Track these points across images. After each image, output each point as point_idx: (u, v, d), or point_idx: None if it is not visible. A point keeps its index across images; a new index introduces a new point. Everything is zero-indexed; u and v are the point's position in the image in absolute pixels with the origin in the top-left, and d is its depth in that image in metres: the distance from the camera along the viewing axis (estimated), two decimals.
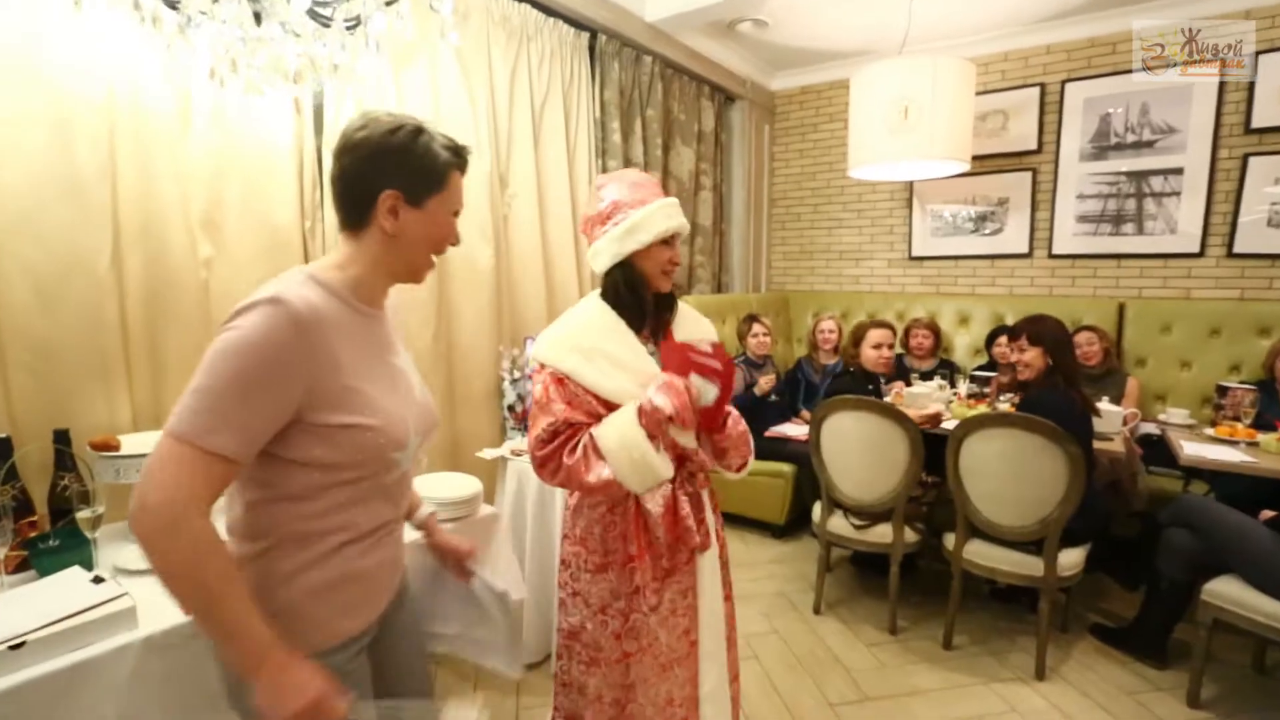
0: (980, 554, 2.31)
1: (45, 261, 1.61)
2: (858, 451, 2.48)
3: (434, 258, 1.00)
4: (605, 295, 1.36)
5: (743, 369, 3.56)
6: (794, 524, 3.46)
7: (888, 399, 3.32)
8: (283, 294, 0.84)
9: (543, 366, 1.31)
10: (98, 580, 1.31)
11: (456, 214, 1.00)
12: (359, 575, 0.96)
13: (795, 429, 3.54)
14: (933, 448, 2.45)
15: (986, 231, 4.00)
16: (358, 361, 0.91)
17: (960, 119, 3.06)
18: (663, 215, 1.32)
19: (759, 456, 3.49)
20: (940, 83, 2.93)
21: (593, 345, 1.30)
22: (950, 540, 2.40)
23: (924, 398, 3.04)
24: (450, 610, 1.27)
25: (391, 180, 0.92)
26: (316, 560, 0.91)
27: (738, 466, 1.51)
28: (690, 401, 1.24)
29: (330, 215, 2.22)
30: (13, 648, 1.02)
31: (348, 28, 1.40)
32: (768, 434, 3.52)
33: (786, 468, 3.38)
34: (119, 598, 1.20)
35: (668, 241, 1.34)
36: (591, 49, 3.22)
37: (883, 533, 2.51)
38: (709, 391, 1.27)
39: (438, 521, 1.29)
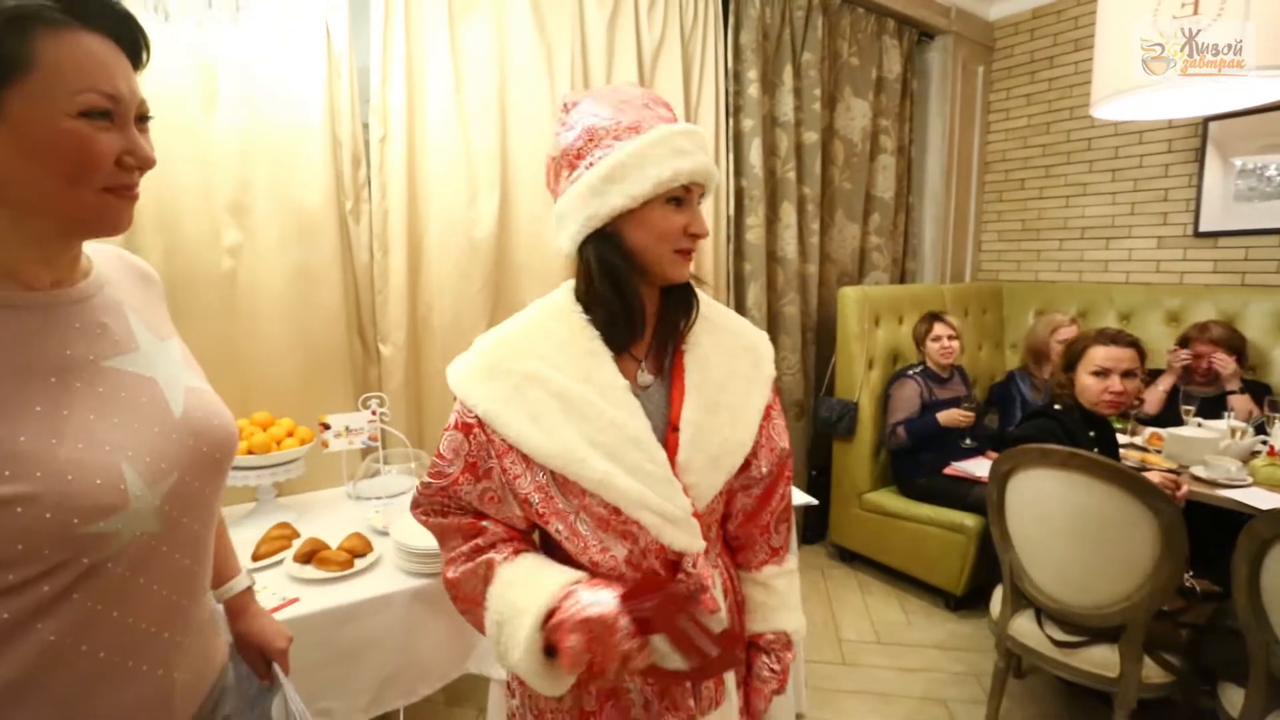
0: None
1: None
2: (1066, 531, 1.61)
3: (122, 190, 0.59)
4: (576, 290, 0.84)
5: (919, 382, 2.71)
6: (977, 595, 2.54)
7: (1139, 439, 2.28)
8: None
9: (455, 399, 0.83)
10: None
11: (97, 112, 0.56)
12: None
13: (987, 467, 2.60)
14: (1211, 535, 1.50)
15: None
16: None
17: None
18: (668, 150, 0.77)
19: (936, 500, 2.71)
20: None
21: (531, 370, 0.78)
22: (1235, 698, 1.44)
23: (1201, 446, 1.98)
24: (242, 711, 0.87)
25: None
26: None
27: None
28: (620, 654, 0.66)
29: (378, 192, 1.96)
30: None
31: None
32: (948, 471, 2.64)
33: (970, 520, 2.49)
34: None
35: (680, 199, 0.80)
36: None
37: (1103, 660, 1.60)
38: (671, 660, 0.68)
39: (251, 597, 0.91)
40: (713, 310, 0.91)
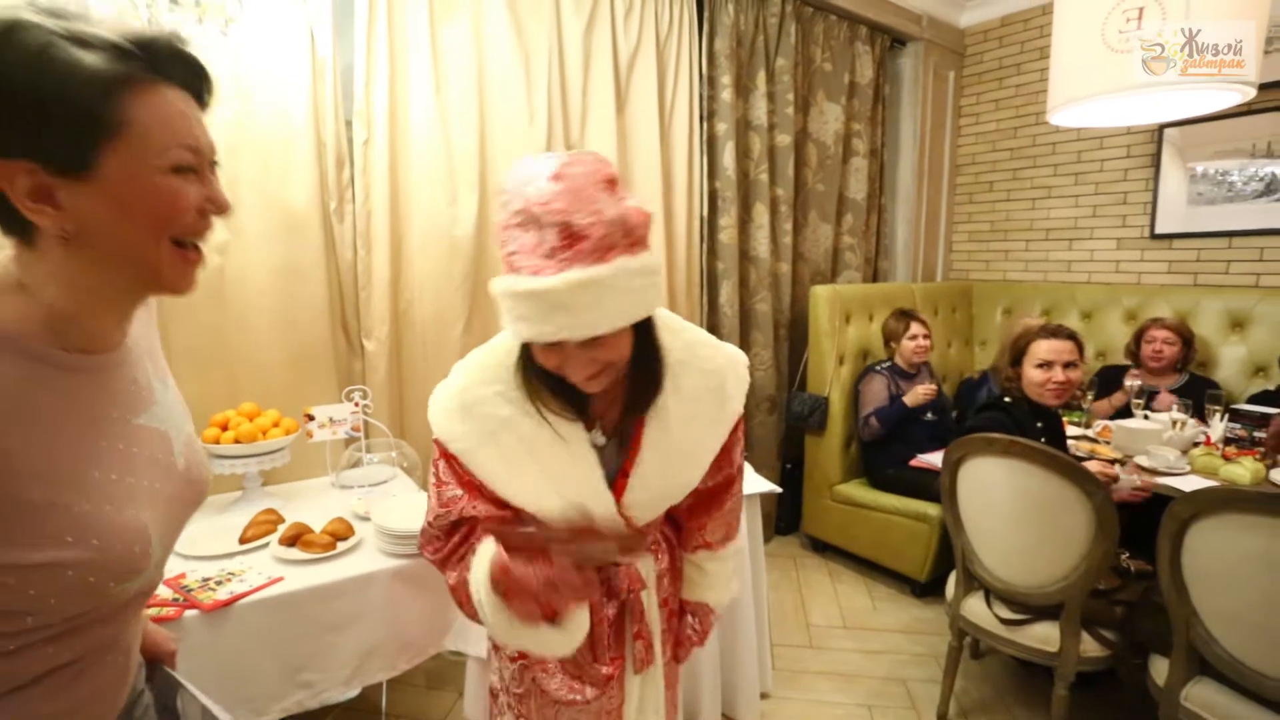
0: (1217, 708, 1.43)
1: None
2: (1009, 515, 1.71)
3: (192, 245, 0.61)
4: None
5: (887, 377, 2.82)
6: (941, 582, 2.64)
7: (1090, 430, 2.39)
8: None
9: (435, 441, 0.87)
10: None
11: (184, 167, 0.58)
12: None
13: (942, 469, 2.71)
14: (1142, 517, 1.60)
15: None
16: (55, 455, 0.56)
17: (1237, 19, 2.00)
18: (534, 312, 0.69)
19: (902, 490, 2.81)
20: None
21: (504, 416, 0.81)
22: (1161, 669, 1.55)
23: (1145, 436, 2.10)
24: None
25: (7, 143, 0.52)
26: None
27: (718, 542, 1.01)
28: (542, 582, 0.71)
29: (361, 192, 2.03)
30: None
31: None
32: (914, 463, 2.74)
33: (933, 510, 2.60)
34: None
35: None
36: None
37: (1044, 636, 1.71)
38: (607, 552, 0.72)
39: None
40: (685, 348, 0.87)
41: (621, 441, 0.87)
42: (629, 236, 0.70)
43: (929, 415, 2.81)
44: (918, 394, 2.73)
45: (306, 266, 1.94)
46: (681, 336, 0.87)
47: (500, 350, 0.84)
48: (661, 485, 0.88)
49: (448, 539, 0.88)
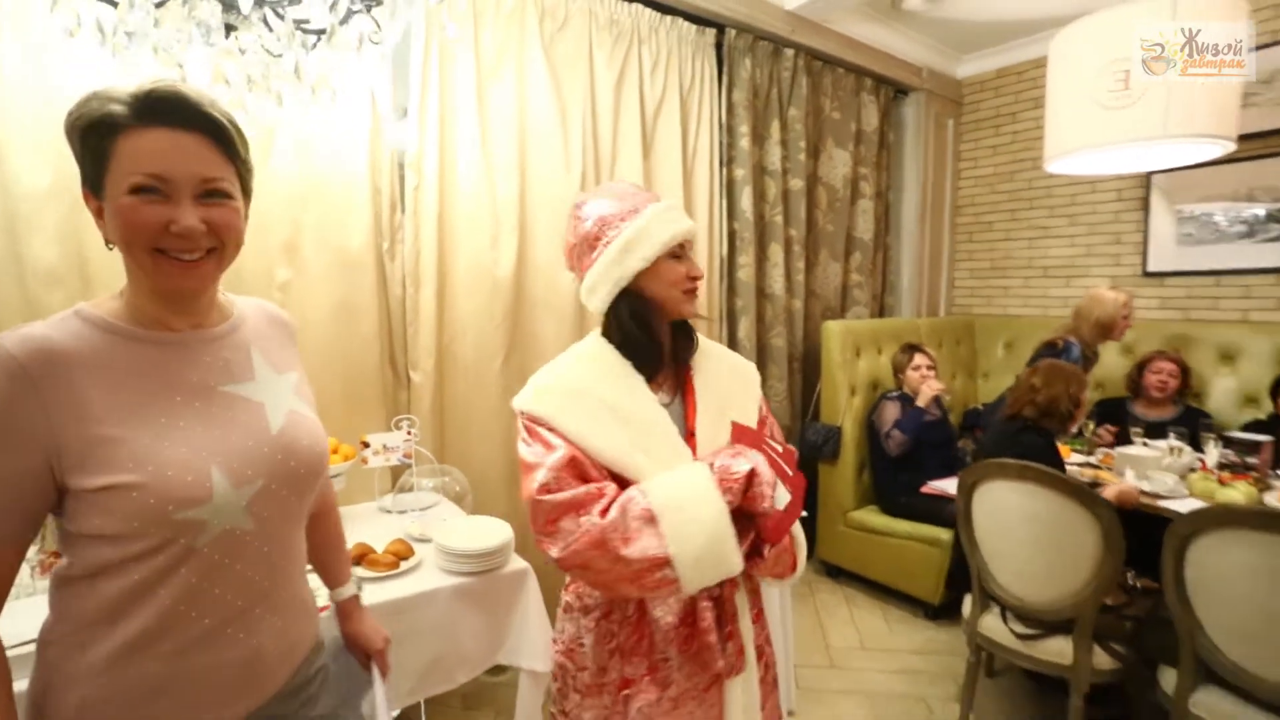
0: (1223, 715, 1.54)
1: None
2: (1024, 536, 1.83)
3: (172, 254, 0.72)
4: (607, 334, 1.05)
5: (898, 402, 2.96)
6: (953, 605, 2.74)
7: (1093, 458, 2.52)
8: (1, 341, 0.68)
9: (521, 415, 1.02)
10: None
11: (142, 189, 0.70)
12: (167, 681, 0.75)
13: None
14: (1146, 537, 1.72)
15: (1269, 236, 2.91)
16: (127, 402, 0.73)
17: (1217, 80, 2.20)
18: (662, 221, 1.02)
19: (914, 516, 2.92)
20: (1182, 30, 2.13)
21: (584, 388, 1.00)
22: (1170, 679, 1.65)
23: (1145, 463, 2.23)
24: (347, 697, 1.04)
25: (85, 178, 0.74)
26: (114, 653, 0.72)
27: (779, 574, 1.11)
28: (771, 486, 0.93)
29: (411, 234, 2.18)
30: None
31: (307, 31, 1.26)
32: (925, 489, 2.87)
33: (945, 534, 2.71)
34: None
35: (677, 254, 1.03)
36: (718, 45, 2.91)
37: (1059, 650, 1.81)
38: (782, 496, 0.92)
39: (356, 603, 1.08)
40: (706, 344, 1.14)
41: (680, 400, 1.05)
42: None
43: (937, 411, 2.94)
44: (925, 394, 2.88)
45: (361, 303, 2.09)
46: (701, 337, 1.14)
47: (570, 353, 1.06)
48: (722, 442, 1.01)
49: (558, 491, 0.91)
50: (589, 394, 0.99)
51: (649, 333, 1.03)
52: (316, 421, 0.91)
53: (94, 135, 0.71)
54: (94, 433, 0.70)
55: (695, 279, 1.04)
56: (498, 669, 1.83)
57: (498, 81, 2.28)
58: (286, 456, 0.82)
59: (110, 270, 1.69)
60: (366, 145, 2.04)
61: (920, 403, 2.89)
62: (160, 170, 0.71)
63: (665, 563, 0.88)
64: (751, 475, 0.92)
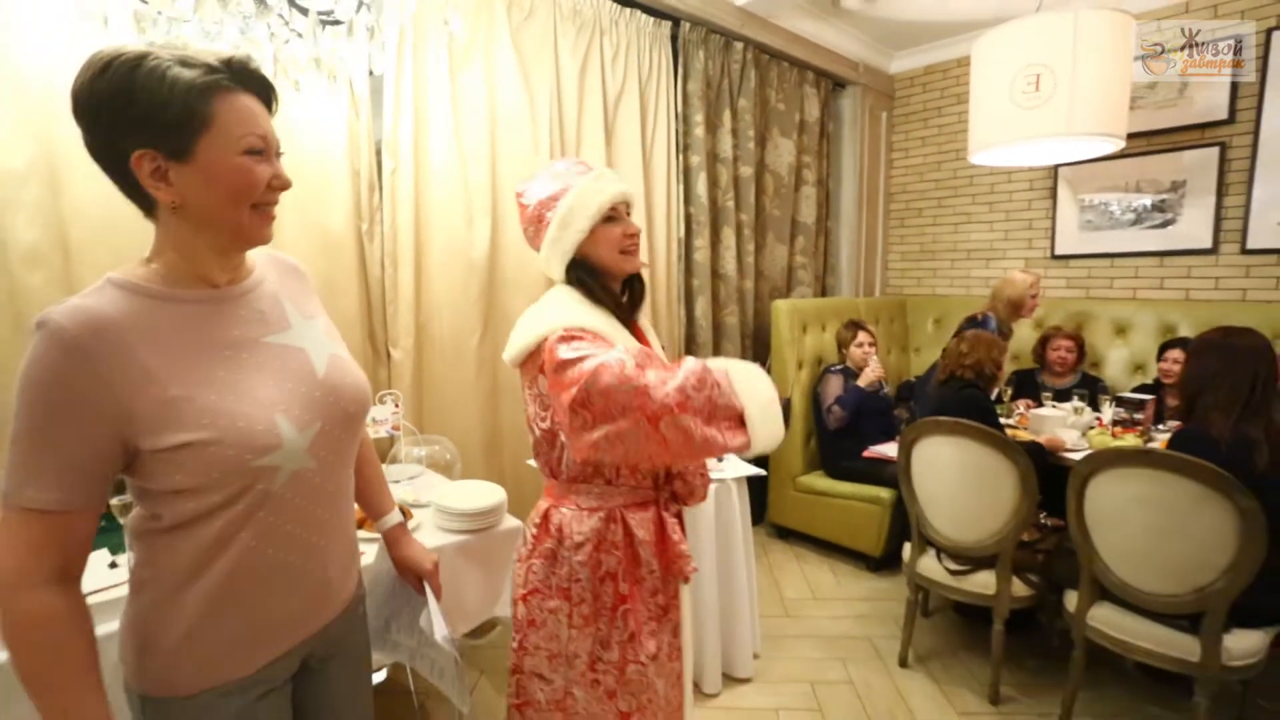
0: (1112, 623, 1.84)
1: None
2: (955, 484, 2.10)
3: (265, 208, 0.80)
4: (572, 285, 1.17)
5: (840, 376, 3.23)
6: (893, 557, 3.05)
7: (1011, 420, 2.84)
8: (50, 315, 0.70)
9: (546, 340, 1.04)
10: (113, 565, 1.36)
11: (255, 151, 0.77)
12: (254, 613, 0.84)
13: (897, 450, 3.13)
14: (1056, 484, 2.01)
15: (1153, 223, 3.31)
16: (182, 363, 0.76)
17: (1110, 86, 2.52)
18: (590, 192, 1.13)
19: (857, 479, 3.20)
20: (1082, 43, 2.43)
21: (598, 326, 1.08)
22: (1072, 599, 1.95)
23: (1054, 421, 2.55)
24: (408, 621, 1.16)
25: (134, 136, 0.73)
26: (201, 595, 0.80)
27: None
28: None
29: (389, 216, 2.24)
30: None
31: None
32: (866, 454, 3.15)
33: (885, 493, 2.99)
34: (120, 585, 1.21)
35: (612, 217, 1.15)
36: (674, 38, 3.05)
37: (984, 582, 2.10)
38: None
39: (403, 528, 1.18)
40: None
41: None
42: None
43: (884, 389, 3.23)
44: (868, 375, 3.15)
45: (341, 282, 2.14)
46: None
47: (562, 302, 1.12)
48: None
49: (616, 368, 0.93)
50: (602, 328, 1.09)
51: (608, 292, 1.15)
52: (353, 361, 0.96)
53: (185, 100, 0.72)
54: (161, 394, 0.73)
55: (631, 236, 1.16)
56: (482, 631, 1.96)
57: (469, 68, 2.36)
58: (336, 398, 0.88)
59: (94, 248, 1.69)
60: (345, 129, 2.09)
61: (861, 383, 3.14)
62: (264, 132, 0.79)
63: (743, 419, 0.92)
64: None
